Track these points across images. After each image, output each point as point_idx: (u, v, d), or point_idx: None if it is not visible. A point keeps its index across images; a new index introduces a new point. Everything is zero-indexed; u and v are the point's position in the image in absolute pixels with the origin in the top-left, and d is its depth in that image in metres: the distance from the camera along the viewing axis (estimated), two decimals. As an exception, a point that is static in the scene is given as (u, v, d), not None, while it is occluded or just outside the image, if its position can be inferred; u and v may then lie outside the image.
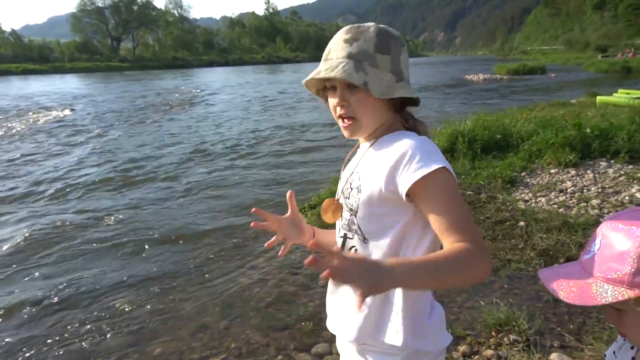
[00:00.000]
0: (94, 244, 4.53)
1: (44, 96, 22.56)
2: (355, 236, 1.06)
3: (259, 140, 9.94)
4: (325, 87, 1.08)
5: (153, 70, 58.66)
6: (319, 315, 2.95)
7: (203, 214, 5.31)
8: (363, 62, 0.98)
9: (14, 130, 12.05)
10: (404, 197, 0.94)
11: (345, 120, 1.04)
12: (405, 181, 0.93)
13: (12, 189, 6.56)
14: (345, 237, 1.09)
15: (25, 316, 3.28)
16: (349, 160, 1.18)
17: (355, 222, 1.05)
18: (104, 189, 6.48)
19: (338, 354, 1.22)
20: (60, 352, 2.83)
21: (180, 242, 4.50)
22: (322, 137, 10.01)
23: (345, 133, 1.07)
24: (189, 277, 3.76)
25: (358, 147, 1.17)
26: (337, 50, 1.01)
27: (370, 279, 0.75)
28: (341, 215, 1.10)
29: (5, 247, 4.53)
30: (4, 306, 3.41)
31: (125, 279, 3.77)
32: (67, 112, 15.96)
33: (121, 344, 2.88)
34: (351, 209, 1.06)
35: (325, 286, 1.16)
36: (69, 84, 33.78)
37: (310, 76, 1.02)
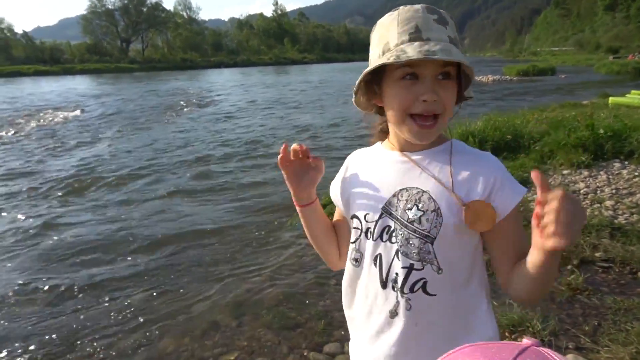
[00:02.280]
0: (105, 240, 4.57)
1: (55, 97, 22.80)
2: (428, 266, 0.91)
3: (268, 141, 9.97)
4: (377, 76, 0.91)
5: (162, 71, 59.14)
6: (330, 315, 2.95)
7: (214, 213, 5.34)
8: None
9: (25, 130, 12.18)
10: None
11: (428, 118, 0.88)
12: (504, 206, 0.89)
13: (20, 186, 6.63)
14: (411, 267, 0.91)
15: (36, 313, 3.31)
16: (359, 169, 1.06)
17: (432, 250, 0.90)
18: (116, 187, 6.53)
19: (349, 354, 1.13)
20: (72, 349, 2.86)
21: (191, 240, 4.53)
22: (329, 136, 10.02)
23: (422, 135, 0.90)
24: (200, 275, 3.77)
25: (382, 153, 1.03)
26: (432, 30, 0.85)
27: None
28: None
29: (17, 237, 4.58)
30: (20, 299, 3.46)
31: (136, 277, 3.80)
32: (77, 112, 16.12)
33: (133, 341, 2.90)
34: (427, 236, 0.90)
35: (338, 284, 1.10)
36: (80, 84, 34.13)
37: (414, 56, 0.80)
